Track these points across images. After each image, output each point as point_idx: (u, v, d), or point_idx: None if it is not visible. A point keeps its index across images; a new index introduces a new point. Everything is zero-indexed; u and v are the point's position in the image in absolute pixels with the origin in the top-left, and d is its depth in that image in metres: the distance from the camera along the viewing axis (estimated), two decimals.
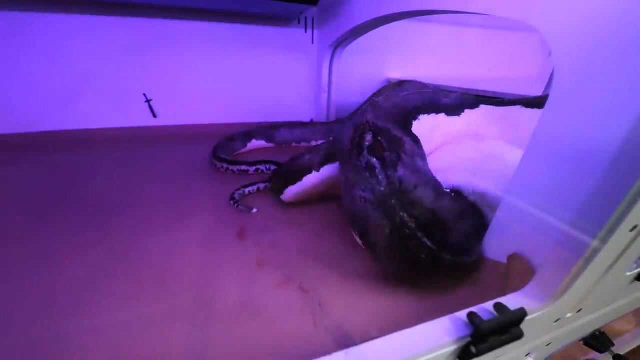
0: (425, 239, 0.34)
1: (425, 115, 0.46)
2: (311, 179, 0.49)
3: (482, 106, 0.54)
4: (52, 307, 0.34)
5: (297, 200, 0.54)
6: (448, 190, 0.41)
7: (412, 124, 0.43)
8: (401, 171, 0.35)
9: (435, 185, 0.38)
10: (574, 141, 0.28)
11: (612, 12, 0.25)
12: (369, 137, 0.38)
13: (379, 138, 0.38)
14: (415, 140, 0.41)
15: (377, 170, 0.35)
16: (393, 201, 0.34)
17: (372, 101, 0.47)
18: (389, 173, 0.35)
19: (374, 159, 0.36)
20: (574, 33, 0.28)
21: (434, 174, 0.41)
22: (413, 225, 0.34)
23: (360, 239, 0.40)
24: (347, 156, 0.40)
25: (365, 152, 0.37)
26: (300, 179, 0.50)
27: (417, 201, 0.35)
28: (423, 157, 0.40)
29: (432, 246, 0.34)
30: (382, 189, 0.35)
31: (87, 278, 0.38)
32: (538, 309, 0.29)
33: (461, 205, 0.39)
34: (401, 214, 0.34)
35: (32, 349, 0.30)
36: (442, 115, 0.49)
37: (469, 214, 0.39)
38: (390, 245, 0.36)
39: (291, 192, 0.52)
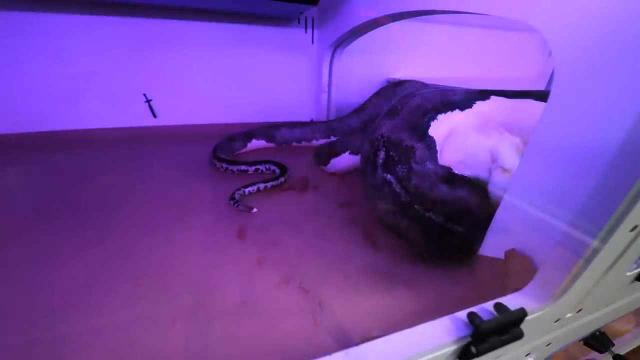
0: (455, 227, 0.38)
1: (442, 114, 0.47)
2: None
3: (493, 97, 0.53)
4: (51, 306, 0.34)
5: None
6: (464, 175, 0.42)
7: (430, 125, 0.44)
8: (415, 180, 0.39)
9: (448, 178, 0.40)
10: (574, 141, 0.28)
11: (612, 12, 0.25)
12: (382, 154, 0.42)
13: (391, 153, 0.42)
14: (429, 144, 0.43)
15: (393, 185, 0.40)
16: (416, 206, 0.39)
17: (391, 106, 0.49)
18: (404, 184, 0.40)
19: (389, 175, 0.41)
20: (574, 33, 0.28)
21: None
22: (440, 219, 0.38)
23: (394, 234, 0.46)
24: (364, 171, 0.46)
25: (380, 170, 0.42)
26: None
27: (437, 199, 0.39)
28: (433, 158, 0.42)
29: (461, 230, 0.38)
30: (403, 199, 0.40)
31: (87, 278, 0.38)
32: (538, 309, 0.29)
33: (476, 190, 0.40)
34: (427, 215, 0.39)
35: (32, 349, 0.30)
36: (457, 111, 0.48)
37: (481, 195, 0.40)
38: (426, 240, 0.41)
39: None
